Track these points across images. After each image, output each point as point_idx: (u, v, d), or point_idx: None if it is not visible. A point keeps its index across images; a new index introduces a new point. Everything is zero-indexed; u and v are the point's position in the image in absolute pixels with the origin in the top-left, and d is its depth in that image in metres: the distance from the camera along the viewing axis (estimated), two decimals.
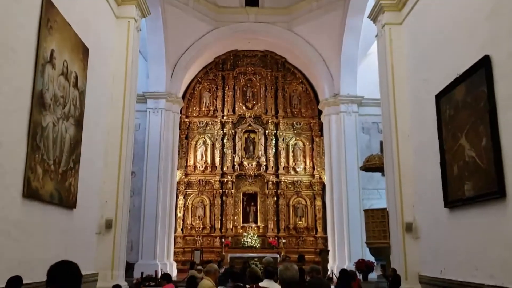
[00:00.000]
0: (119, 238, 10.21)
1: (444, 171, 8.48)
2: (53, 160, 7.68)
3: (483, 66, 6.96)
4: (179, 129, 20.39)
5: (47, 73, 7.44)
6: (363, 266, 15.34)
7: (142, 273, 15.31)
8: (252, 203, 20.84)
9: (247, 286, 5.74)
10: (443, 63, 8.77)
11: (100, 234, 10.02)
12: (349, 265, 16.74)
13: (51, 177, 7.58)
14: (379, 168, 11.76)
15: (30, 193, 6.77)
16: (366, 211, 11.57)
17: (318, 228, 20.45)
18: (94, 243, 9.82)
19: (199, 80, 21.69)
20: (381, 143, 18.23)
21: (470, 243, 7.68)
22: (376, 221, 10.90)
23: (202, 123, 21.20)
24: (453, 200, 8.13)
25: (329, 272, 16.39)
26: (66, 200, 8.16)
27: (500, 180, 6.48)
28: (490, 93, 6.78)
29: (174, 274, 18.06)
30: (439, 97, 8.69)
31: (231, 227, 20.27)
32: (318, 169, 20.52)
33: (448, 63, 8.47)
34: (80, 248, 8.91)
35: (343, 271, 9.32)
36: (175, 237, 19.61)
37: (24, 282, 6.42)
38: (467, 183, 7.61)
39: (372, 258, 16.47)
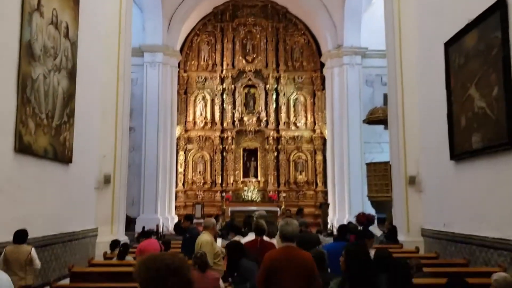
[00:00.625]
0: (118, 193, 10.09)
1: (451, 123, 8.21)
2: (46, 114, 7.40)
3: (498, 10, 6.52)
4: (178, 84, 19.93)
5: (34, 22, 7.02)
6: (364, 219, 15.34)
7: (143, 227, 15.37)
8: (253, 159, 20.70)
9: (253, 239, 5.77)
10: (453, 8, 8.30)
11: (99, 189, 9.89)
12: (349, 218, 16.81)
13: (45, 131, 7.32)
14: (383, 121, 11.48)
15: (22, 147, 6.53)
16: (368, 164, 11.40)
17: (318, 182, 20.42)
18: (93, 198, 9.71)
19: (197, 32, 20.99)
20: (385, 96, 17.83)
21: (475, 196, 7.53)
22: (379, 175, 10.74)
23: (201, 78, 20.70)
24: (460, 152, 7.90)
25: (329, 225, 16.47)
26: (62, 155, 7.95)
27: (511, 130, 6.22)
28: (505, 39, 6.38)
29: None
30: (448, 45, 8.28)
31: (231, 182, 20.24)
32: (320, 123, 20.23)
33: (459, 8, 8.00)
34: (79, 203, 8.80)
35: (341, 227, 9.23)
36: (176, 192, 19.62)
37: None
38: (475, 135, 7.36)
39: (373, 211, 16.57)
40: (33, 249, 5.86)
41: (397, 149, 10.23)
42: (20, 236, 5.77)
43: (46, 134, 7.36)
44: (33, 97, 6.89)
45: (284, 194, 18.99)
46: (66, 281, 6.59)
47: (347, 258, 3.38)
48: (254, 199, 19.57)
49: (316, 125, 20.45)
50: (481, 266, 7.07)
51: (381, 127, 18.00)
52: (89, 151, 9.49)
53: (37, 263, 5.83)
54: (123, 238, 10.28)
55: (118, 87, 10.47)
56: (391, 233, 9.93)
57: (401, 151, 10.08)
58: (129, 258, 7.08)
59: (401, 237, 9.68)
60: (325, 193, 20.14)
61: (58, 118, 7.81)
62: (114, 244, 7.58)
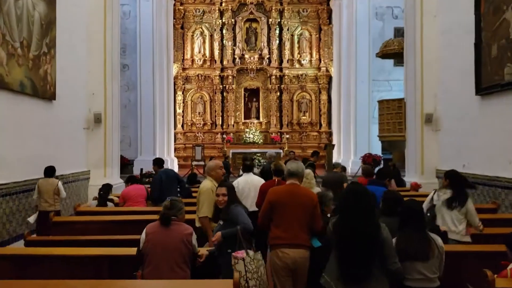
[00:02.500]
0: (111, 133, 9.36)
1: (478, 52, 7.29)
2: (20, 42, 6.48)
3: None
4: (174, 18, 18.62)
5: None
6: (370, 160, 14.79)
7: (141, 170, 14.84)
8: (254, 99, 19.82)
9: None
10: None
11: (89, 130, 9.14)
12: (355, 160, 16.24)
13: (19, 62, 6.44)
14: (398, 55, 10.49)
15: None
16: (380, 102, 10.55)
17: (322, 123, 19.68)
18: (83, 139, 8.98)
19: None
20: (396, 30, 16.70)
21: (504, 134, 6.76)
22: (392, 113, 9.93)
23: (199, 11, 19.35)
24: (488, 86, 7.05)
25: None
26: (43, 90, 7.10)
27: None
28: None
29: (175, 170, 17.68)
30: None
31: (232, 123, 19.49)
32: (325, 60, 19.14)
33: None
34: (67, 144, 8.07)
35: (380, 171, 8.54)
36: (175, 134, 18.93)
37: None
38: (508, 65, 6.47)
39: (379, 152, 15.96)
40: (59, 182, 6.77)
41: (413, 84, 9.36)
42: (49, 171, 6.72)
43: (22, 66, 6.49)
44: (2, 21, 5.94)
45: (287, 136, 18.26)
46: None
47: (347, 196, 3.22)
48: (256, 141, 18.91)
49: (322, 62, 19.38)
50: (509, 210, 6.44)
51: (390, 63, 17.04)
52: (76, 88, 8.64)
53: (63, 193, 6.77)
54: (118, 181, 9.69)
55: (105, 16, 9.44)
56: (394, 176, 9.30)
57: (417, 86, 9.22)
58: (109, 203, 6.52)
59: (414, 179, 9.04)
60: (330, 134, 19.48)
61: (36, 48, 6.89)
62: (106, 188, 6.92)
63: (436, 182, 8.95)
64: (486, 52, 7.11)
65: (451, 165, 8.54)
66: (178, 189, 7.01)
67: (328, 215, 4.22)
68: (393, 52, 10.63)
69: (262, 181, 5.94)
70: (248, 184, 5.93)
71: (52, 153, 7.36)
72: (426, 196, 7.16)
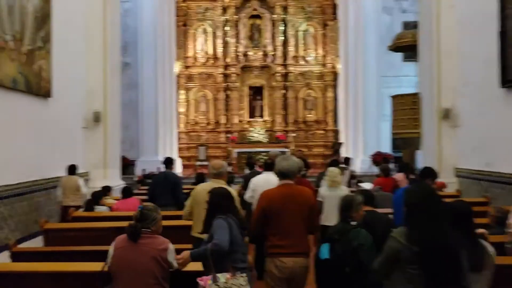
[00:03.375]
0: (111, 132, 8.91)
1: (504, 42, 6.77)
2: (12, 36, 6.03)
3: None
4: (176, 16, 18.16)
5: None
6: (380, 159, 14.30)
7: (143, 170, 14.41)
8: (259, 97, 19.29)
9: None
10: None
11: (88, 129, 8.68)
12: (364, 158, 15.78)
13: (12, 57, 5.99)
14: (412, 47, 9.98)
15: None
16: (394, 97, 10.04)
17: (329, 121, 19.15)
18: (81, 139, 8.52)
19: None
20: (405, 25, 16.21)
21: None
22: (406, 108, 9.42)
23: (201, 8, 18.87)
24: None
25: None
26: (37, 87, 6.65)
27: None
28: None
29: (179, 170, 17.23)
30: None
31: (236, 122, 18.99)
32: (332, 57, 18.62)
33: None
34: (64, 144, 7.61)
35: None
36: (179, 133, 18.44)
37: None
38: None
39: (388, 150, 15.48)
40: (80, 179, 7.35)
41: (429, 77, 8.87)
42: (71, 169, 7.34)
43: (14, 61, 6.04)
44: None
45: (294, 134, 17.75)
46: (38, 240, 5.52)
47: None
48: (261, 140, 18.42)
49: (327, 59, 18.87)
50: None
51: (399, 59, 16.55)
52: (74, 85, 8.19)
53: (83, 190, 7.27)
54: (119, 183, 9.22)
55: (105, 11, 8.99)
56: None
57: (434, 79, 8.72)
58: (102, 208, 5.88)
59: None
60: (336, 132, 18.97)
61: (30, 42, 6.44)
62: (105, 190, 6.45)
63: (455, 182, 8.47)
64: (511, 40, 6.62)
65: (472, 163, 8.09)
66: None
67: (354, 222, 3.67)
68: (407, 45, 10.12)
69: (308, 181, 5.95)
70: (267, 182, 5.41)
71: (48, 154, 6.91)
72: (452, 197, 6.71)
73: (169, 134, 16.74)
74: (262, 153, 16.81)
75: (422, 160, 9.39)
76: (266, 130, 18.90)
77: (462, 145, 8.45)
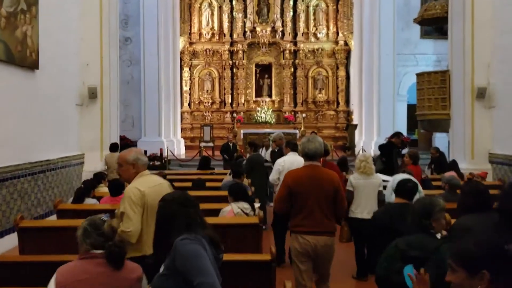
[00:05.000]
0: (108, 110, 8.09)
1: None
2: None
3: None
4: None
5: None
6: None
7: (145, 152, 13.61)
8: (266, 75, 18.39)
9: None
10: None
11: (83, 106, 7.86)
12: (378, 140, 14.91)
13: None
14: (441, 20, 9.03)
15: None
16: (420, 75, 9.14)
17: (340, 101, 18.26)
18: (76, 117, 7.71)
19: None
20: None
21: None
22: (434, 87, 8.53)
23: None
24: None
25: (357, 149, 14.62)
26: (21, 56, 5.81)
27: None
28: None
29: (182, 151, 16.47)
30: None
31: (243, 101, 18.14)
32: (345, 33, 17.59)
33: None
34: (54, 123, 6.80)
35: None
36: (182, 113, 17.62)
37: None
38: None
39: (404, 132, 14.61)
40: None
41: (461, 52, 7.98)
42: (113, 147, 8.04)
43: None
44: None
45: (304, 115, 16.87)
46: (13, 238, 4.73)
47: None
48: (268, 121, 17.55)
49: (340, 35, 17.87)
50: None
51: (417, 35, 15.59)
52: (66, 56, 7.34)
53: None
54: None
55: None
56: (439, 164, 7.94)
57: (467, 55, 7.84)
58: (92, 200, 4.89)
59: (462, 165, 7.70)
60: (347, 113, 18.09)
61: (11, 4, 5.57)
62: (98, 178, 5.62)
63: (489, 168, 7.64)
64: None
65: (508, 148, 7.27)
66: None
67: (439, 235, 2.83)
68: (434, 17, 9.15)
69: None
70: (294, 164, 5.12)
71: (36, 134, 6.12)
72: (494, 187, 5.89)
73: (172, 113, 15.89)
74: (270, 134, 15.99)
75: (450, 144, 8.54)
76: (274, 110, 18.04)
77: (498, 127, 7.63)
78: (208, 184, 6.05)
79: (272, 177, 5.52)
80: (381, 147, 7.45)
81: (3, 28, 5.39)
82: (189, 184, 5.78)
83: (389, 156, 7.03)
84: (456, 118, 8.23)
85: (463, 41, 7.90)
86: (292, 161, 5.44)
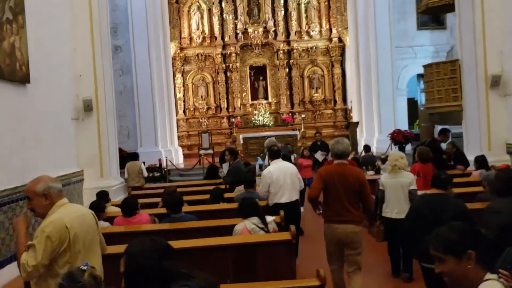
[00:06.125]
0: (105, 122, 7.64)
1: None
2: None
3: None
4: None
5: None
6: (401, 137, 13.14)
7: (143, 163, 13.14)
8: (261, 77, 18.04)
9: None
10: None
11: (79, 120, 7.41)
12: (380, 138, 14.61)
13: None
14: (447, 7, 8.71)
15: None
16: (428, 66, 8.79)
17: (337, 99, 17.96)
18: (72, 132, 7.25)
19: None
20: None
21: None
22: (443, 78, 8.19)
23: None
24: None
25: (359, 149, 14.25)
26: (10, 70, 5.36)
27: None
28: None
29: (180, 160, 16.02)
30: None
31: (239, 105, 17.76)
32: (339, 29, 17.27)
33: None
34: (50, 140, 6.34)
35: None
36: (177, 120, 17.16)
37: None
38: None
39: (405, 127, 14.30)
40: (142, 164, 9.70)
41: (471, 39, 7.65)
42: (134, 156, 9.86)
43: None
44: None
45: (303, 115, 16.50)
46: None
47: None
48: (266, 124, 17.18)
49: (333, 32, 17.57)
50: None
51: (413, 27, 15.27)
52: (58, 68, 6.89)
53: (145, 173, 9.68)
54: (119, 181, 8.03)
55: None
56: (459, 157, 7.54)
57: (478, 42, 7.52)
58: (104, 224, 4.35)
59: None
60: (345, 111, 17.79)
61: None
62: (104, 197, 5.13)
63: (508, 159, 7.31)
64: None
65: None
66: None
67: None
68: (440, 6, 8.80)
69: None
70: (283, 172, 5.30)
71: (32, 153, 5.66)
72: None
73: (168, 122, 15.44)
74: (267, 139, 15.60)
75: (464, 136, 8.19)
76: (271, 113, 17.68)
77: None
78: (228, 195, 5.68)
79: (261, 190, 5.26)
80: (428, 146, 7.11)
81: None
82: (204, 196, 5.37)
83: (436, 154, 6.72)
84: (470, 108, 7.89)
85: (473, 28, 7.57)
86: (279, 168, 5.31)
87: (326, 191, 4.09)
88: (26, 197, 2.72)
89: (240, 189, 5.66)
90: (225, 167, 8.53)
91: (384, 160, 7.62)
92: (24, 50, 5.69)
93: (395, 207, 4.67)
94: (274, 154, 5.57)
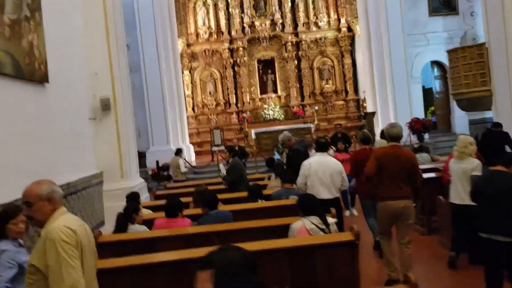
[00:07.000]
0: (124, 122, 7.38)
1: None
2: None
3: None
4: None
5: None
6: (419, 126, 12.85)
7: (157, 162, 12.95)
8: (270, 71, 17.75)
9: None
10: None
11: (96, 120, 7.17)
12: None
13: None
14: None
15: None
16: (453, 51, 8.50)
17: (348, 90, 17.65)
18: (90, 132, 6.99)
19: None
20: None
21: None
22: (470, 63, 7.91)
23: None
24: None
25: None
26: (30, 69, 5.11)
27: None
28: None
29: (192, 158, 15.78)
30: None
31: (248, 100, 17.48)
32: (349, 18, 16.95)
33: None
34: (68, 141, 6.08)
35: None
36: (187, 118, 16.91)
37: None
38: None
39: (421, 116, 14.01)
40: (180, 160, 10.89)
41: (500, 21, 7.35)
42: (177, 151, 11.13)
43: None
44: None
45: (316, 107, 16.21)
46: None
47: None
48: (277, 117, 16.90)
49: (342, 22, 17.25)
50: None
51: (425, 14, 14.96)
52: (74, 66, 6.63)
53: (182, 168, 10.74)
54: (139, 181, 7.78)
55: None
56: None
57: (508, 22, 7.19)
58: (141, 227, 4.08)
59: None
60: (358, 102, 17.49)
61: (13, 10, 4.87)
62: (136, 198, 4.83)
63: None
64: None
65: None
66: None
67: None
68: None
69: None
70: (323, 166, 5.17)
71: (52, 155, 5.41)
72: None
73: (178, 119, 15.19)
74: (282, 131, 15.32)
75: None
76: (281, 106, 17.41)
77: None
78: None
79: (299, 181, 5.20)
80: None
81: (8, 38, 4.68)
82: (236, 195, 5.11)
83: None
84: (500, 93, 7.61)
85: (502, 9, 7.27)
86: (320, 162, 5.17)
87: (381, 171, 4.43)
88: (24, 202, 2.37)
89: (275, 185, 5.42)
90: (221, 167, 8.25)
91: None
92: (42, 48, 5.43)
93: (458, 193, 4.77)
94: (321, 146, 5.43)
